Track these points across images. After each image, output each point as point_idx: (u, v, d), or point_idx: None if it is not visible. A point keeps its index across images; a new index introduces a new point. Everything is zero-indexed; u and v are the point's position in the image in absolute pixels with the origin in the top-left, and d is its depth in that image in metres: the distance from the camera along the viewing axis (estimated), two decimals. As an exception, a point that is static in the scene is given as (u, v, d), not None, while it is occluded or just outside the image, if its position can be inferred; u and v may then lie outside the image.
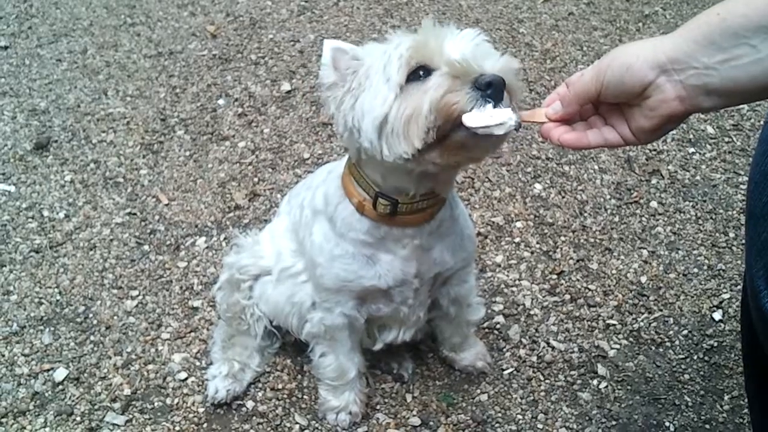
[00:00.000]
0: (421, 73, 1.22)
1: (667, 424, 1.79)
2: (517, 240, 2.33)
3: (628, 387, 1.88)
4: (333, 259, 1.52)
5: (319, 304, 1.65)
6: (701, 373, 1.91)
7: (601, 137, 1.17)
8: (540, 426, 1.80)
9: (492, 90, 1.15)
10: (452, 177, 1.48)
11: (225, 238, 2.35)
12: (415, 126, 1.19)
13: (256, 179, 2.61)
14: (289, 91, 3.06)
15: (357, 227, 1.47)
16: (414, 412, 1.84)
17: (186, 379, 1.93)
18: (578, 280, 2.19)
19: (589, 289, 2.15)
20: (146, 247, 2.34)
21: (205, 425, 1.82)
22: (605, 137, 1.17)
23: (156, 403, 1.88)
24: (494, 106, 1.16)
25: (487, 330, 2.04)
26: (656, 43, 1.05)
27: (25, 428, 1.82)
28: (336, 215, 1.50)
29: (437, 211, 1.47)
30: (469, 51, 1.23)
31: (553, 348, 1.99)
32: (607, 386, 1.89)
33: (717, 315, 2.06)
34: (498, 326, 2.05)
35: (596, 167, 2.62)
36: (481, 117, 1.15)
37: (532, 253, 2.28)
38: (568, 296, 2.13)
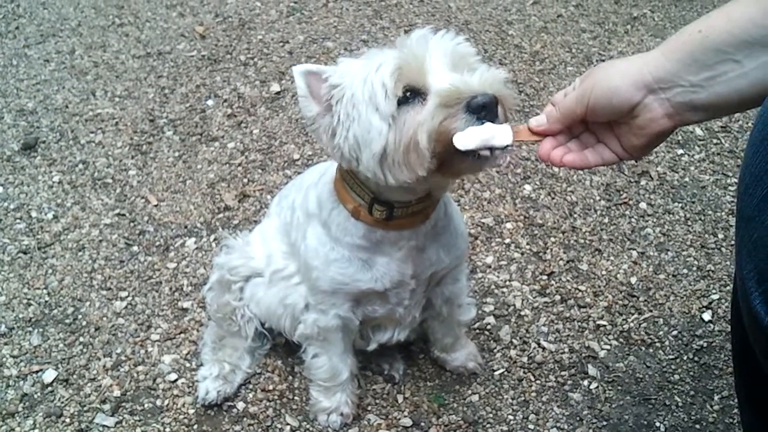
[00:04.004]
0: (409, 94, 1.23)
1: (657, 424, 1.80)
2: (507, 241, 2.33)
3: (619, 387, 1.89)
4: (329, 263, 1.51)
5: (313, 306, 1.64)
6: (691, 373, 1.92)
7: (598, 157, 1.18)
8: (531, 426, 1.81)
9: (485, 111, 1.17)
10: (450, 182, 1.48)
11: (215, 239, 2.34)
12: (415, 155, 1.21)
13: (245, 180, 2.60)
14: (278, 92, 3.06)
15: (353, 232, 1.47)
16: (405, 413, 1.84)
17: (176, 380, 1.93)
18: (568, 280, 2.19)
19: (580, 290, 2.16)
20: (135, 248, 2.33)
21: (195, 426, 1.82)
22: (602, 156, 1.18)
23: (146, 405, 1.87)
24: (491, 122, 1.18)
25: (478, 331, 2.04)
26: (639, 62, 1.05)
27: (14, 430, 1.81)
28: (330, 220, 1.49)
29: (432, 211, 1.47)
30: (450, 59, 1.24)
31: (544, 349, 1.99)
32: (597, 387, 1.89)
33: (706, 316, 2.07)
34: (489, 327, 2.06)
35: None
36: (474, 135, 1.16)
37: (522, 254, 2.28)
38: (558, 297, 2.14)
